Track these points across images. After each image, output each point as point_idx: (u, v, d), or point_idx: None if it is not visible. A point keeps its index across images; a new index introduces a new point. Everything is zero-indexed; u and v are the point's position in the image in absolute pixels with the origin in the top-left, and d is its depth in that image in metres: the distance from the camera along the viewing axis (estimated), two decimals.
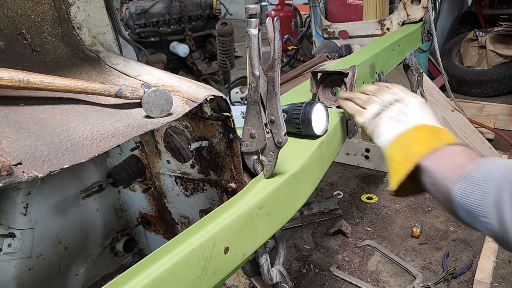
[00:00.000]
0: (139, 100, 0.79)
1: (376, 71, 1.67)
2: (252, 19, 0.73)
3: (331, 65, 1.78)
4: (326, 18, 2.69)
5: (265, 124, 0.81)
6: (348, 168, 3.12)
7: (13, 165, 0.56)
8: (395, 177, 0.88)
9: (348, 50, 2.15)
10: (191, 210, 1.23)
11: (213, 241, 0.70)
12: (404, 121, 0.93)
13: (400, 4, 2.33)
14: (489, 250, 2.00)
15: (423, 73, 2.26)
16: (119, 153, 1.31)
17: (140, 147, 1.21)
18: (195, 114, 0.96)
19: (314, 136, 1.04)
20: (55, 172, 0.60)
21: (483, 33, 4.20)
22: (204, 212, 1.16)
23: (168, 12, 4.38)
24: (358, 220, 2.47)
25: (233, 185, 0.98)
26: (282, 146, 0.82)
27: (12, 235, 1.14)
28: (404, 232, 2.32)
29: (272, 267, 0.93)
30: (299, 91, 1.49)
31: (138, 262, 0.61)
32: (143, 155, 1.23)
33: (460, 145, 0.84)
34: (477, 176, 0.71)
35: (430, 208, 2.52)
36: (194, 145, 0.98)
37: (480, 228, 0.71)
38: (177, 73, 1.34)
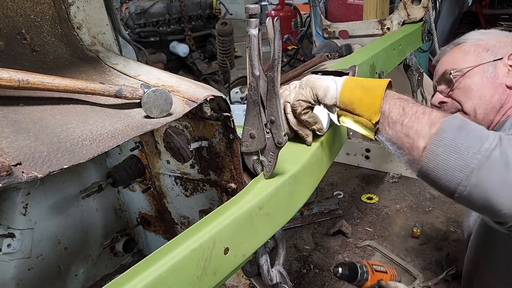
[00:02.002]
0: (139, 100, 0.79)
1: (376, 71, 1.67)
2: (252, 19, 0.73)
3: (331, 65, 1.77)
4: (326, 17, 2.69)
5: (265, 124, 0.81)
6: (348, 168, 3.12)
7: (13, 165, 0.56)
8: (373, 106, 0.82)
9: (348, 50, 2.15)
10: (191, 210, 1.23)
11: (213, 241, 0.69)
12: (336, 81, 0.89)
13: (401, 4, 2.33)
14: None
15: (424, 73, 2.26)
16: (119, 153, 1.31)
17: (140, 147, 1.21)
18: (195, 114, 0.96)
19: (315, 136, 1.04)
20: (55, 172, 0.60)
21: None
22: (204, 212, 1.16)
23: (168, 12, 4.38)
24: (358, 220, 2.47)
25: (233, 185, 0.98)
26: (282, 147, 0.81)
27: (11, 235, 1.14)
28: (404, 232, 2.32)
29: (272, 268, 0.93)
30: None
31: (138, 263, 0.61)
32: (143, 155, 1.23)
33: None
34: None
35: (430, 208, 2.52)
36: (194, 145, 0.98)
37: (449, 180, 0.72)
38: (177, 73, 1.34)
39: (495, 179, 0.67)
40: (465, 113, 1.19)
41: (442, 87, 1.27)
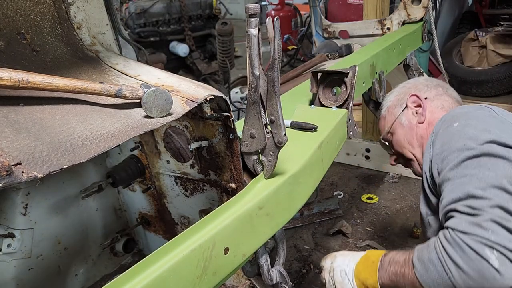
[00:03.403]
0: (139, 100, 0.79)
1: (376, 71, 1.67)
2: (252, 19, 0.73)
3: (331, 65, 1.78)
4: (326, 17, 2.69)
5: (265, 124, 0.81)
6: (348, 168, 3.12)
7: (13, 165, 0.56)
8: None
9: (348, 50, 2.15)
10: (191, 210, 1.23)
11: (213, 241, 0.69)
12: (347, 273, 1.10)
13: (401, 4, 2.33)
14: None
15: (424, 73, 2.26)
16: (119, 153, 1.31)
17: (140, 147, 1.21)
18: (195, 114, 0.96)
19: None
20: (55, 172, 0.60)
21: (484, 33, 4.19)
22: (204, 212, 1.16)
23: (168, 12, 4.37)
24: (358, 221, 2.47)
25: (233, 185, 0.98)
26: (282, 146, 0.81)
27: (11, 235, 1.14)
28: (404, 232, 2.32)
29: (272, 268, 0.93)
30: (299, 91, 1.49)
31: (138, 263, 0.61)
32: (143, 155, 1.23)
33: (387, 253, 1.09)
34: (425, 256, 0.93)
35: None
36: (194, 145, 0.98)
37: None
38: (177, 73, 1.34)
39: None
40: (409, 160, 1.39)
41: (389, 151, 1.53)
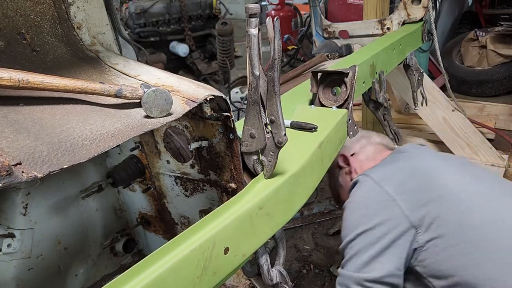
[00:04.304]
0: (139, 100, 0.79)
1: (376, 71, 1.67)
2: (252, 19, 0.73)
3: (331, 65, 1.78)
4: (326, 17, 2.69)
5: (265, 124, 0.81)
6: None
7: (13, 165, 0.56)
8: None
9: (349, 49, 2.15)
10: (191, 210, 1.23)
11: (213, 241, 0.69)
12: None
13: (401, 4, 2.33)
14: None
15: (424, 73, 2.26)
16: (119, 153, 1.31)
17: (140, 147, 1.21)
18: (195, 114, 0.96)
19: None
20: (55, 172, 0.60)
21: (484, 33, 4.19)
22: (204, 212, 1.16)
23: (168, 12, 4.38)
24: None
25: (233, 185, 0.98)
26: (282, 146, 0.81)
27: (11, 235, 1.14)
28: None
29: (272, 268, 0.93)
30: (299, 91, 1.49)
31: (138, 263, 0.61)
32: (143, 155, 1.23)
33: None
34: None
35: None
36: (194, 145, 0.98)
37: None
38: (177, 73, 1.34)
39: None
40: None
41: None
